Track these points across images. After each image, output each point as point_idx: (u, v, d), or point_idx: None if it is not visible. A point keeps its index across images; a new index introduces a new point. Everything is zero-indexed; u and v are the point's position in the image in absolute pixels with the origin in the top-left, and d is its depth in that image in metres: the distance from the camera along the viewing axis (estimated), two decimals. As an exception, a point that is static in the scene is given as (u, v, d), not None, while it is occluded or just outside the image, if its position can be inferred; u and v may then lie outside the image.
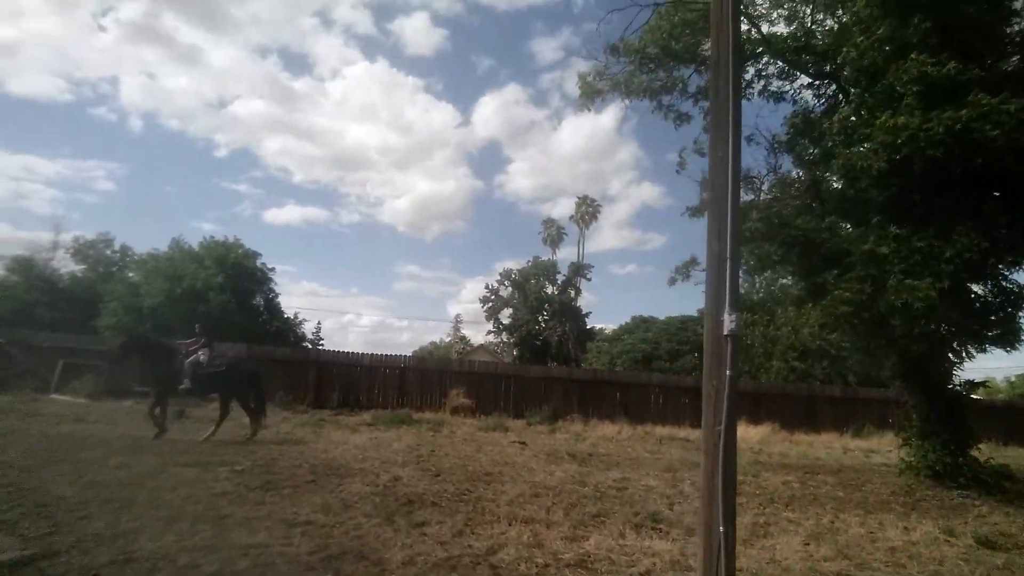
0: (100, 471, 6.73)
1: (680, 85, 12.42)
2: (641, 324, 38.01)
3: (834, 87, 11.52)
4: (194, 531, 4.73)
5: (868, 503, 8.60)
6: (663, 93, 12.46)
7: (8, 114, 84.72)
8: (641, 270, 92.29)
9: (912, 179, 9.06)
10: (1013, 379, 45.84)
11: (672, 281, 13.58)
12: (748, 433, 17.10)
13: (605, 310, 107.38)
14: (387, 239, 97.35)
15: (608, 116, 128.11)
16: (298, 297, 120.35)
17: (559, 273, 41.33)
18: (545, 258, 44.11)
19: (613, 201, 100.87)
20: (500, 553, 4.81)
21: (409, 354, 26.69)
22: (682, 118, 12.88)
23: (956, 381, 11.05)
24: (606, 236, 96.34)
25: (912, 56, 8.21)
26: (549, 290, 40.45)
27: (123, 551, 4.16)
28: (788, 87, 12.53)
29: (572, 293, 40.90)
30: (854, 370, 25.54)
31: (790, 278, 13.46)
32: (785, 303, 18.86)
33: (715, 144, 4.06)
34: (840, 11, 10.69)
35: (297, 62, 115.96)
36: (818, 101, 11.92)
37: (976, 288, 9.90)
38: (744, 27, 9.57)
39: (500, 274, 42.02)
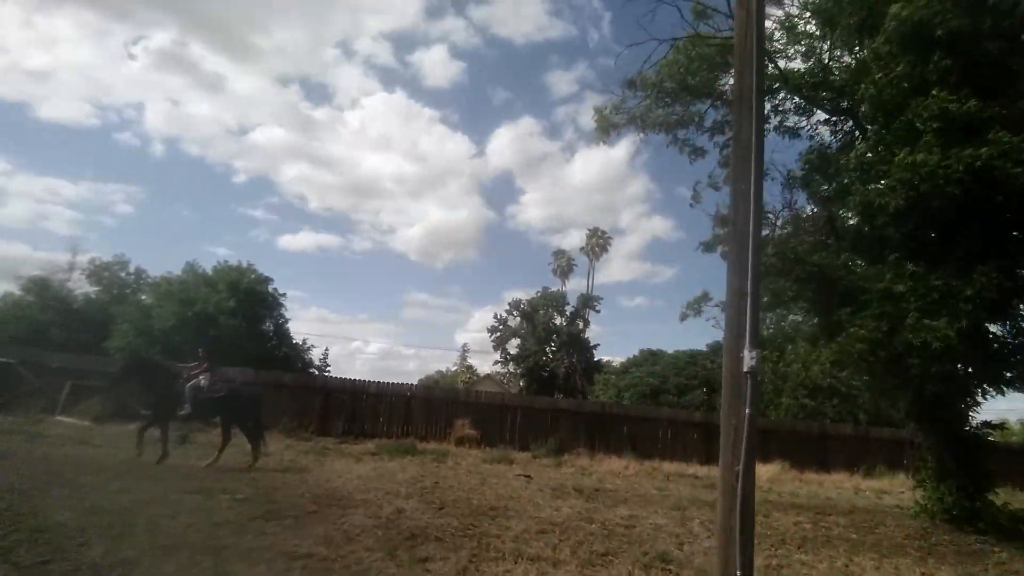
0: (101, 496, 6.63)
1: (697, 120, 12.48)
2: (649, 357, 37.68)
3: (851, 123, 11.52)
4: (193, 562, 4.61)
5: (883, 546, 8.32)
6: (679, 127, 12.52)
7: (37, 138, 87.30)
8: (650, 303, 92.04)
9: (930, 216, 8.98)
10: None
11: (684, 316, 13.44)
12: (758, 471, 16.40)
13: (613, 342, 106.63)
14: (398, 267, 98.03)
15: (620, 149, 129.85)
16: (307, 322, 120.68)
17: (568, 304, 41.22)
18: (554, 289, 44.03)
19: (623, 234, 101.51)
20: (507, 594, 4.64)
21: (415, 382, 26.55)
22: (697, 152, 12.90)
23: (972, 423, 10.80)
24: (615, 268, 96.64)
25: (933, 93, 8.21)
26: (558, 321, 40.26)
27: (120, 581, 4.05)
28: (804, 123, 12.57)
29: (580, 325, 40.65)
30: (865, 408, 25.06)
31: (803, 314, 13.28)
32: (796, 339, 18.59)
33: (737, 178, 4.03)
34: (858, 47, 10.74)
35: (317, 91, 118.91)
36: (835, 137, 11.92)
37: (994, 328, 9.73)
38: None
39: (509, 304, 41.93)
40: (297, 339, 28.12)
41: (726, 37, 11.53)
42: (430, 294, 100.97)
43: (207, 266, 25.72)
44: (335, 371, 31.99)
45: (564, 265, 52.74)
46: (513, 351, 40.46)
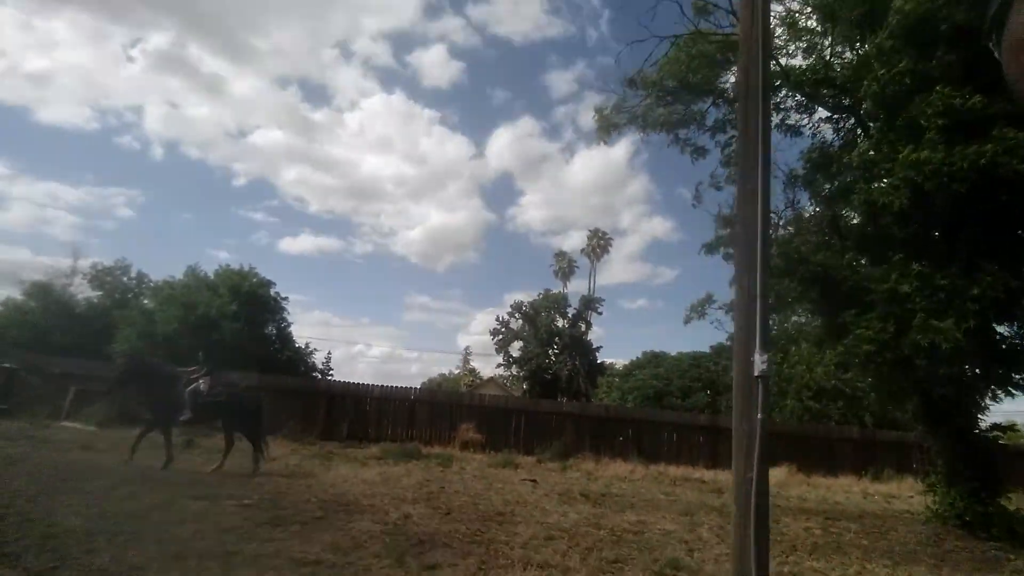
0: (107, 502, 6.60)
1: (698, 118, 12.40)
2: (652, 359, 37.61)
3: (853, 121, 11.44)
4: (201, 568, 4.58)
5: (895, 553, 8.23)
6: (680, 127, 12.43)
7: (38, 142, 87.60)
8: (651, 304, 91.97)
9: (935, 215, 8.94)
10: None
11: (688, 320, 13.36)
12: (765, 475, 16.60)
13: (615, 344, 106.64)
14: (399, 269, 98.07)
15: (620, 150, 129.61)
16: (309, 326, 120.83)
17: (570, 306, 41.12)
18: (556, 291, 43.95)
19: (624, 235, 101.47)
20: (517, 600, 4.61)
21: (418, 386, 26.50)
22: (699, 152, 12.82)
23: (982, 425, 10.72)
24: (616, 270, 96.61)
25: (936, 89, 8.13)
26: (560, 323, 40.18)
27: (128, 589, 4.02)
28: (806, 121, 12.51)
29: (583, 327, 40.57)
30: (871, 411, 24.93)
31: (807, 315, 13.22)
32: (799, 341, 18.49)
33: (744, 177, 4.00)
34: (860, 43, 10.68)
35: (316, 93, 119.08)
36: (837, 135, 11.84)
37: (1001, 330, 9.66)
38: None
39: (511, 306, 41.78)
40: (300, 343, 28.08)
41: (727, 34, 11.48)
42: (431, 297, 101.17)
43: (209, 270, 25.75)
44: (338, 375, 31.94)
45: (565, 267, 52.73)
46: (515, 354, 40.41)
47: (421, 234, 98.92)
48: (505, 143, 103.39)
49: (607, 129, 13.12)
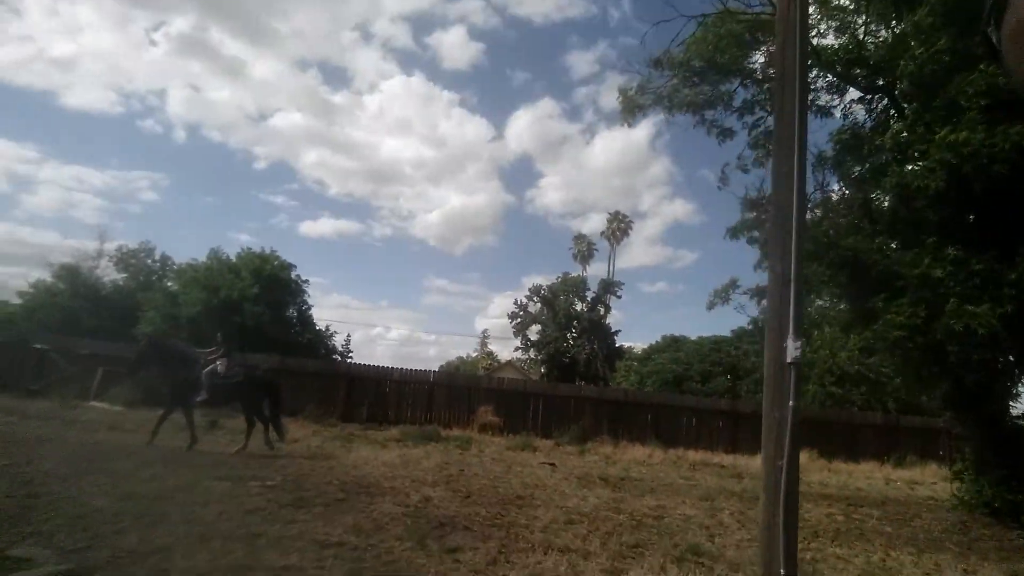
0: (134, 483, 6.73)
1: (725, 99, 12.07)
2: (672, 344, 37.34)
3: (886, 101, 11.05)
4: (227, 550, 4.63)
5: (919, 540, 8.08)
6: (707, 108, 12.12)
7: (64, 127, 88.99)
8: (671, 288, 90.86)
9: (972, 198, 8.62)
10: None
11: (711, 305, 13.15)
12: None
13: (634, 328, 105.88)
14: (418, 252, 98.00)
15: (641, 131, 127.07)
16: (329, 309, 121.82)
17: (588, 290, 41.01)
18: (575, 274, 43.80)
19: (644, 217, 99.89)
20: (539, 586, 4.59)
21: (436, 368, 26.68)
22: (726, 133, 12.47)
23: (1013, 413, 10.46)
24: (636, 252, 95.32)
25: (980, 68, 7.80)
26: (578, 307, 40.10)
27: (157, 569, 4.08)
28: (836, 101, 12.11)
29: (601, 310, 40.44)
30: (895, 396, 24.51)
31: (833, 300, 12.93)
32: (822, 325, 18.15)
33: (779, 159, 3.85)
34: (895, 21, 10.27)
35: (336, 75, 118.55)
36: (869, 116, 11.45)
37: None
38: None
39: (529, 290, 41.79)
40: (320, 326, 28.39)
41: (757, 13, 11.12)
42: (449, 280, 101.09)
43: (231, 253, 26.04)
44: (357, 357, 32.24)
45: (584, 250, 52.33)
46: (534, 337, 40.48)
47: (440, 217, 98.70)
48: (524, 125, 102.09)
49: (631, 110, 12.81)
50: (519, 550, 5.51)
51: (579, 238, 53.80)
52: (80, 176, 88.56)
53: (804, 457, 17.57)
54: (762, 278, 12.57)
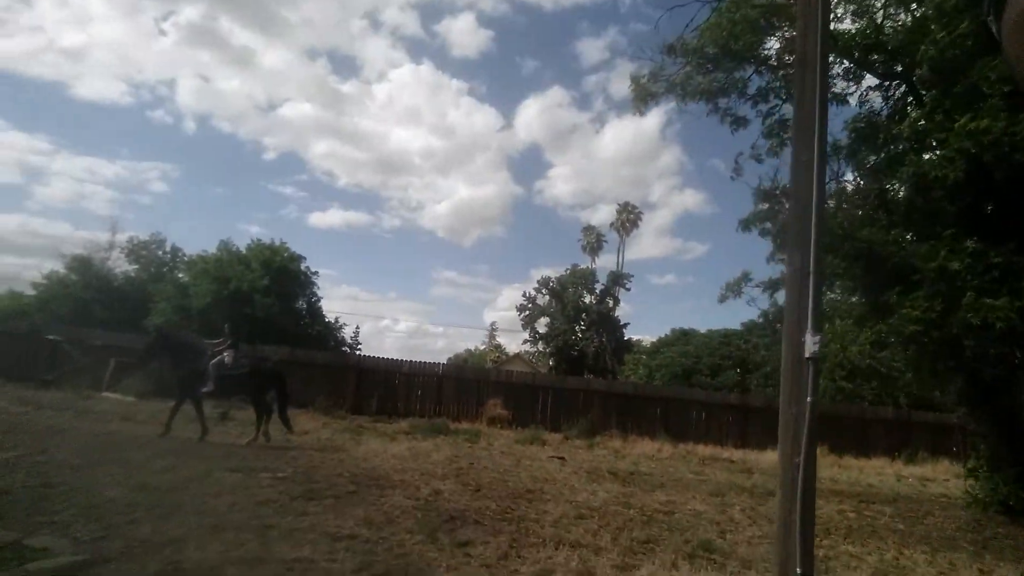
0: (147, 474, 6.77)
1: (739, 87, 11.84)
2: (681, 337, 37.22)
3: (904, 88, 10.83)
4: (239, 541, 4.64)
5: (932, 539, 7.99)
6: (721, 95, 11.87)
7: (75, 117, 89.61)
8: (681, 280, 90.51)
9: (991, 188, 8.46)
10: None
11: (723, 298, 12.98)
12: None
13: (643, 321, 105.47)
14: (426, 244, 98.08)
15: (652, 120, 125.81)
16: (338, 301, 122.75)
17: (597, 282, 40.83)
18: (584, 266, 43.59)
19: (654, 208, 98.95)
20: (550, 580, 4.57)
21: (444, 361, 26.70)
22: (739, 122, 12.22)
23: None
24: (646, 244, 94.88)
25: None
26: (587, 299, 39.96)
27: (171, 560, 4.09)
28: (853, 88, 11.85)
29: (610, 303, 40.30)
30: (907, 391, 24.29)
31: (846, 293, 12.77)
32: (833, 318, 17.96)
33: (798, 147, 3.76)
34: (915, 5, 9.98)
35: (345, 64, 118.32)
36: (885, 104, 11.21)
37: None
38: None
39: (538, 282, 41.72)
40: (329, 317, 28.49)
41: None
42: (458, 272, 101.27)
43: (240, 244, 26.13)
44: (365, 349, 32.35)
45: (593, 241, 51.98)
46: (542, 330, 40.42)
47: (448, 208, 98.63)
48: (534, 114, 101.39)
49: (643, 98, 12.57)
50: (530, 544, 5.49)
51: (588, 229, 53.46)
52: (91, 167, 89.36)
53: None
54: (774, 270, 12.43)
